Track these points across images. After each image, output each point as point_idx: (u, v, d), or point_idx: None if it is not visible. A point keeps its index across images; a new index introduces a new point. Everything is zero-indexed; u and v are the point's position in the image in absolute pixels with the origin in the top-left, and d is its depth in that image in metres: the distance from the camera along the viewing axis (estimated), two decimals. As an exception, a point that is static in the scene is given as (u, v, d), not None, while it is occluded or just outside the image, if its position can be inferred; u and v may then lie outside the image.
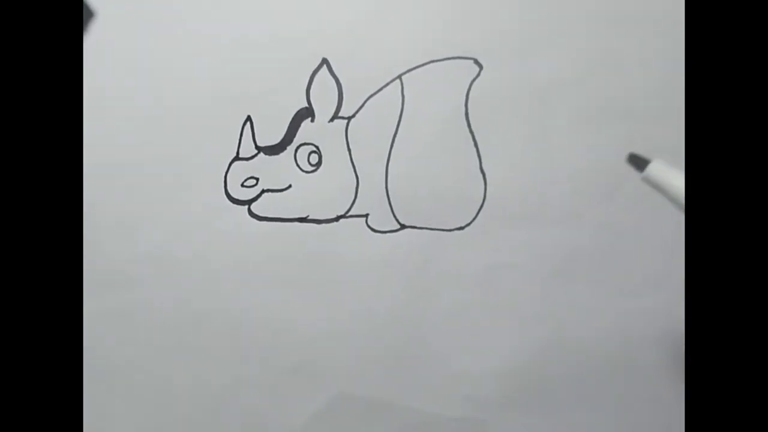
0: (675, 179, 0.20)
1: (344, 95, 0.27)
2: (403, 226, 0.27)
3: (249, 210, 0.28)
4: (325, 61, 0.27)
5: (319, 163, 0.27)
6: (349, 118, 0.27)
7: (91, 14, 0.23)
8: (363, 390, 0.27)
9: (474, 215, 0.27)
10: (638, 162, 0.21)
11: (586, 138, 0.26)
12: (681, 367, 0.25)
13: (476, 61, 0.27)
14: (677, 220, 0.25)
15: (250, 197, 0.28)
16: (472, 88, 0.27)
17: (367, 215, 0.27)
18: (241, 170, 0.28)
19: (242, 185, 0.28)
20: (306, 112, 0.27)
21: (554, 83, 0.26)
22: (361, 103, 0.27)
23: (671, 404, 0.26)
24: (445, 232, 0.27)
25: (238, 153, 0.28)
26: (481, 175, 0.27)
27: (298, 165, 0.27)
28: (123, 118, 0.25)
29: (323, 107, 0.27)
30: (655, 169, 0.20)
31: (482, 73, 0.27)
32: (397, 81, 0.27)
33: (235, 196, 0.28)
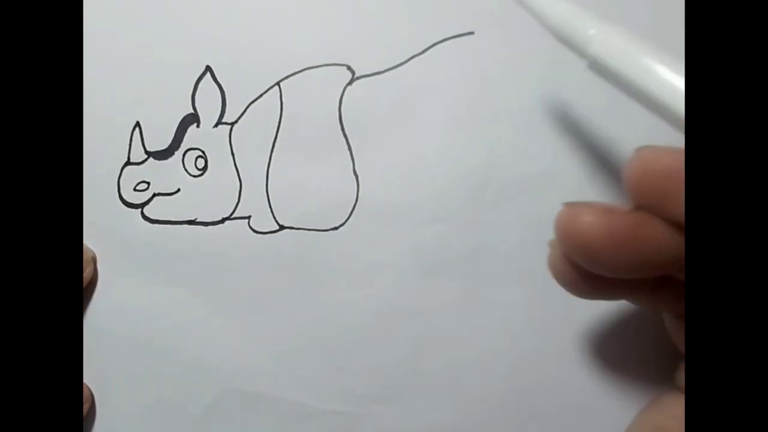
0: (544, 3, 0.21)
1: (227, 102, 0.28)
2: (282, 227, 0.28)
3: (142, 213, 0.29)
4: (208, 69, 0.28)
5: (205, 168, 0.29)
6: (232, 124, 0.28)
7: None
8: (250, 385, 0.28)
9: (347, 216, 0.28)
10: None
11: (453, 140, 0.27)
12: (553, 355, 0.26)
13: (349, 68, 0.28)
14: (538, 215, 0.26)
15: (143, 201, 0.29)
16: (345, 93, 0.28)
17: (249, 217, 0.28)
18: (132, 175, 0.29)
19: (134, 189, 0.29)
20: (192, 118, 0.29)
21: (423, 89, 0.27)
22: (243, 109, 0.28)
23: (541, 392, 0.27)
24: (320, 233, 0.28)
25: (129, 158, 0.29)
26: (354, 177, 0.28)
27: (186, 169, 0.29)
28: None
29: (208, 113, 0.29)
30: None
31: (355, 78, 0.28)
32: (276, 87, 0.28)
33: (128, 200, 0.29)
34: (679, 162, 0.17)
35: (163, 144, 0.29)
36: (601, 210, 0.18)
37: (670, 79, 0.18)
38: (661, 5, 0.26)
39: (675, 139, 0.19)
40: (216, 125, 0.28)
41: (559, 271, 0.20)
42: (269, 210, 0.28)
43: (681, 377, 0.24)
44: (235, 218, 0.28)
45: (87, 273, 0.28)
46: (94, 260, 0.29)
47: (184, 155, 0.29)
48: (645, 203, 0.18)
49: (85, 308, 0.29)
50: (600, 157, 0.27)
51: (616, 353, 0.27)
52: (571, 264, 0.20)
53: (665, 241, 0.19)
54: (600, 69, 0.19)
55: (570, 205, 0.19)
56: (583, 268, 0.19)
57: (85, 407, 0.28)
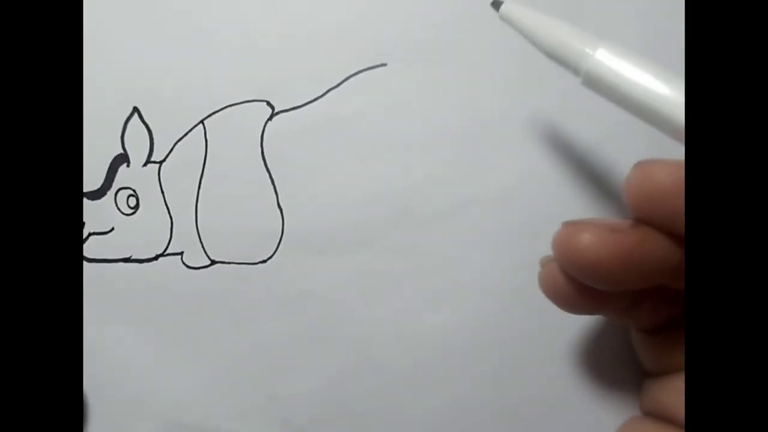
0: (527, 16, 0.21)
1: (155, 141, 0.29)
2: (213, 262, 0.29)
3: (79, 252, 0.30)
4: (136, 110, 0.29)
5: (137, 206, 0.29)
6: (160, 163, 0.29)
7: None
8: (189, 418, 0.29)
9: (275, 248, 0.28)
10: (496, 5, 0.22)
11: (373, 169, 0.28)
12: (478, 374, 0.26)
13: (269, 103, 0.29)
14: (460, 236, 0.27)
15: (79, 240, 0.30)
16: (267, 129, 0.29)
17: (182, 253, 0.29)
18: (68, 216, 0.30)
19: (71, 230, 0.30)
20: (122, 158, 0.29)
21: (341, 121, 0.28)
22: (170, 148, 0.29)
23: (478, 412, 0.27)
24: (250, 266, 0.29)
25: (63, 200, 0.30)
26: (278, 210, 0.28)
27: (118, 208, 0.30)
28: None
29: (137, 153, 0.29)
30: (507, 9, 0.22)
31: (275, 114, 0.28)
32: (200, 126, 0.29)
33: (65, 240, 0.30)
34: (680, 175, 0.17)
35: (96, 184, 0.29)
36: (603, 229, 0.19)
37: (667, 92, 0.18)
38: (652, 18, 0.27)
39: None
40: (145, 164, 0.29)
41: (553, 288, 0.21)
42: (200, 245, 0.29)
43: (645, 401, 0.24)
44: (169, 254, 0.29)
45: None
46: None
47: (116, 194, 0.29)
48: (646, 218, 0.19)
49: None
50: (514, 178, 0.27)
51: (551, 366, 0.28)
52: (569, 281, 0.20)
53: (667, 253, 0.19)
54: (595, 85, 0.20)
55: (569, 225, 0.19)
56: (580, 285, 0.20)
57: None
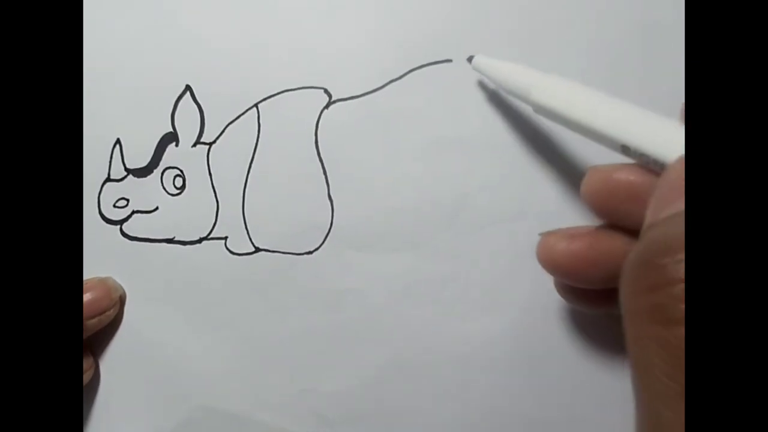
0: (490, 64, 0.25)
1: (206, 122, 0.28)
2: (257, 249, 0.28)
3: (121, 230, 0.29)
4: (188, 88, 0.28)
5: (183, 187, 0.29)
6: (210, 144, 0.28)
7: None
8: (222, 403, 0.29)
9: (322, 240, 0.28)
10: (470, 59, 0.26)
11: (428, 168, 0.27)
12: (514, 386, 0.26)
13: (326, 91, 0.28)
14: (509, 245, 0.26)
15: (122, 217, 0.29)
16: (322, 117, 0.28)
17: (226, 238, 0.28)
18: (112, 191, 0.29)
19: (114, 206, 0.29)
20: (171, 137, 0.29)
21: (400, 115, 0.27)
22: (221, 130, 0.28)
23: (510, 422, 0.27)
24: (295, 256, 0.28)
25: (109, 174, 0.29)
26: (329, 202, 0.28)
27: (164, 188, 0.29)
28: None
29: (187, 132, 0.29)
30: (476, 60, 0.25)
31: (332, 102, 0.28)
32: (254, 109, 0.28)
33: (108, 216, 0.29)
34: (626, 176, 0.19)
35: (143, 162, 0.29)
36: (565, 235, 0.21)
37: (605, 112, 0.20)
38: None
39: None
40: (194, 145, 0.28)
41: (558, 290, 0.23)
42: (245, 232, 0.28)
43: None
44: (212, 239, 0.29)
45: (111, 313, 0.29)
46: (121, 300, 0.29)
47: (162, 174, 0.29)
48: (604, 217, 0.21)
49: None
50: (572, 189, 0.26)
51: (586, 383, 0.27)
52: (561, 284, 0.23)
53: (623, 250, 0.20)
54: (542, 111, 0.22)
55: (543, 234, 0.22)
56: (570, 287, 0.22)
57: (87, 376, 0.29)
